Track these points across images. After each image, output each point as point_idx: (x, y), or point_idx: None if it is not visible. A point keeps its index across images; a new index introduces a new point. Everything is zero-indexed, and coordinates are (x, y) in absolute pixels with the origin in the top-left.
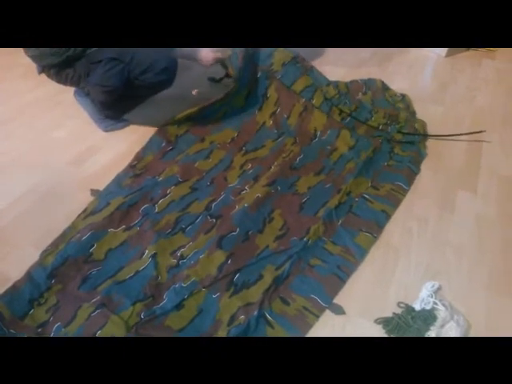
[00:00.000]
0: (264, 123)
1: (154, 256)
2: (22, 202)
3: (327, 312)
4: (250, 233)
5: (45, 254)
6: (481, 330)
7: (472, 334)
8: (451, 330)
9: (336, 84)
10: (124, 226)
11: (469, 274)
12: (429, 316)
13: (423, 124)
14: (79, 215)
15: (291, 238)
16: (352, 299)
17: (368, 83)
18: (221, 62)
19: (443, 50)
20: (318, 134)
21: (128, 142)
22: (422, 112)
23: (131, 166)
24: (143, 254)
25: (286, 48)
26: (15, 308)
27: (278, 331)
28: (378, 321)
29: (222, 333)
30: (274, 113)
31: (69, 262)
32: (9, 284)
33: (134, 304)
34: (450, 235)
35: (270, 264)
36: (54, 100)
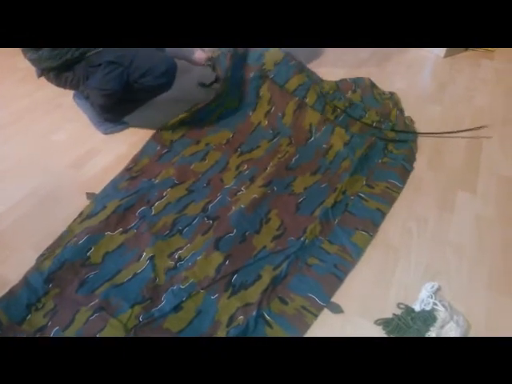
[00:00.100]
0: (259, 123)
1: (151, 258)
2: (22, 206)
3: (327, 312)
4: (247, 233)
5: (42, 258)
6: (481, 330)
7: (472, 335)
8: (451, 331)
9: (327, 82)
10: (121, 229)
11: (468, 275)
12: (429, 317)
13: (412, 121)
14: (75, 219)
15: (288, 237)
16: (352, 300)
17: (357, 82)
18: (211, 65)
19: (442, 51)
20: (314, 130)
21: (127, 144)
22: (420, 112)
23: (127, 169)
24: (141, 256)
25: (278, 48)
26: (12, 313)
27: (277, 331)
28: (377, 322)
29: (221, 333)
30: (268, 112)
31: (66, 266)
32: (8, 287)
33: (132, 307)
34: (449, 235)
35: (268, 264)
36: (53, 103)
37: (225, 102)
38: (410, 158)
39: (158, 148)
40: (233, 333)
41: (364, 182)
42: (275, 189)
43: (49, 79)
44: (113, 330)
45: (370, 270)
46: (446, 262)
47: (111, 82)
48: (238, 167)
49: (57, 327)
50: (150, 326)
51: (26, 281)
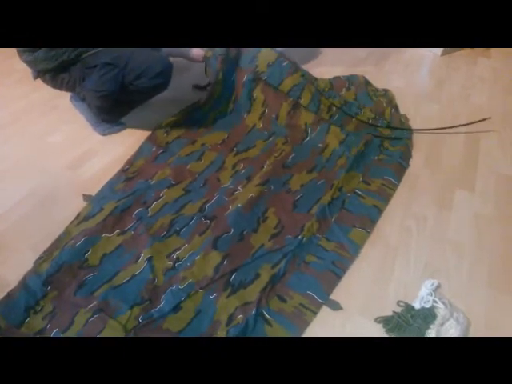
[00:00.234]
0: (254, 126)
1: (149, 259)
2: (20, 207)
3: (327, 311)
4: (244, 233)
5: (39, 261)
6: (481, 327)
7: (472, 332)
8: (451, 328)
9: (321, 80)
10: (118, 231)
11: (468, 272)
12: (429, 314)
13: (407, 118)
14: (72, 221)
15: (286, 236)
16: (352, 298)
17: (351, 79)
18: (204, 69)
19: (439, 49)
20: (309, 130)
21: (125, 145)
22: (418, 110)
23: (123, 171)
24: (139, 257)
25: (271, 49)
26: (11, 317)
27: (277, 329)
28: (377, 320)
29: (220, 333)
30: (262, 114)
31: (64, 269)
32: (7, 289)
33: (131, 308)
34: (448, 233)
35: (266, 263)
36: (50, 105)
37: (218, 105)
38: (406, 155)
39: (154, 149)
40: (232, 332)
41: (360, 179)
42: (272, 187)
43: (45, 81)
44: (112, 331)
45: (370, 268)
46: (445, 260)
47: (107, 84)
48: (234, 166)
49: (56, 329)
50: (149, 326)
51: (24, 284)
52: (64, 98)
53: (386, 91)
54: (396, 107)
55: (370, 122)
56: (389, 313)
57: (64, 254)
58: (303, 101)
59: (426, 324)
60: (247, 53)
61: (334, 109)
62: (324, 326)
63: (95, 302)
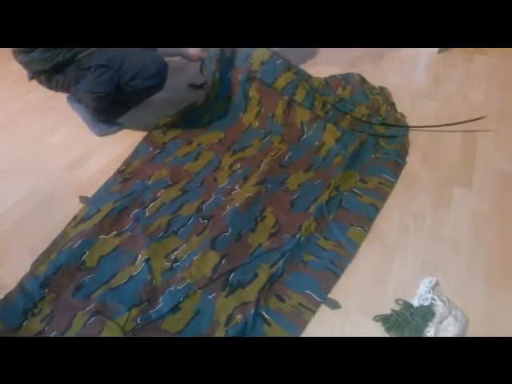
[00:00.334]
0: (250, 124)
1: (147, 260)
2: (19, 209)
3: (326, 310)
4: (242, 232)
5: (36, 263)
6: (479, 324)
7: (470, 329)
8: (450, 326)
9: (316, 79)
10: (115, 232)
11: (466, 269)
12: (427, 312)
13: (403, 116)
14: (69, 223)
15: (284, 235)
16: (350, 297)
17: (347, 78)
18: (200, 69)
19: None
20: (305, 128)
21: (122, 146)
22: (415, 107)
23: (119, 172)
24: (136, 259)
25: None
26: (9, 320)
27: (275, 329)
28: (376, 318)
29: (219, 333)
30: (258, 112)
31: (61, 271)
32: (4, 291)
33: (129, 309)
34: (446, 231)
35: (264, 262)
36: (46, 106)
37: (214, 105)
38: (402, 153)
39: (151, 149)
40: (231, 332)
41: (357, 178)
42: (269, 187)
43: (40, 82)
44: (111, 332)
45: (368, 266)
46: (443, 258)
47: (102, 85)
48: (231, 166)
49: (54, 332)
50: (147, 327)
51: (21, 287)
52: (60, 98)
53: (382, 89)
54: (393, 105)
55: (364, 118)
56: (387, 311)
57: (61, 257)
58: (297, 97)
59: (425, 322)
60: (241, 52)
61: (329, 106)
62: (323, 325)
63: (93, 304)
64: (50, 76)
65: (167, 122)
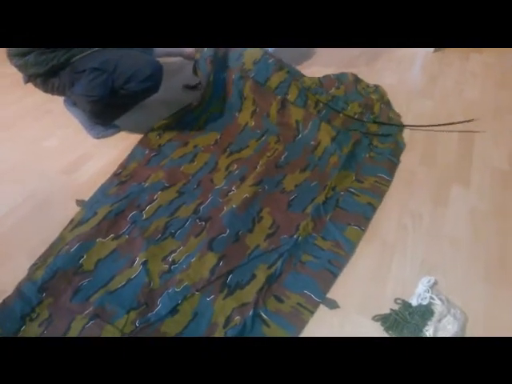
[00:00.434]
0: (246, 124)
1: (145, 263)
2: (16, 213)
3: (325, 311)
4: (239, 233)
5: (34, 267)
6: (478, 322)
7: (469, 327)
8: (449, 324)
9: (310, 78)
10: (112, 235)
11: (465, 268)
12: (426, 311)
13: (398, 115)
14: (66, 226)
15: (281, 236)
16: (349, 297)
17: (340, 77)
18: (194, 71)
19: None
20: (301, 127)
21: (119, 148)
22: (412, 106)
23: (116, 174)
24: (134, 261)
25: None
26: (6, 325)
27: (274, 329)
28: (375, 318)
29: (218, 335)
30: (254, 112)
31: (59, 275)
32: (3, 295)
33: (128, 312)
34: (445, 229)
35: (262, 263)
36: (43, 109)
37: (209, 106)
38: (396, 152)
39: (147, 152)
40: (230, 333)
41: (353, 178)
42: (266, 187)
43: (36, 85)
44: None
45: (366, 266)
46: (441, 256)
47: (96, 89)
48: (227, 167)
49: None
50: (146, 330)
51: (18, 291)
52: (56, 102)
53: (376, 87)
54: (388, 103)
55: (356, 116)
56: (386, 310)
57: (58, 260)
58: (290, 96)
59: (424, 321)
60: (234, 51)
61: (321, 105)
62: (322, 325)
63: (91, 308)
64: (45, 79)
65: (163, 124)
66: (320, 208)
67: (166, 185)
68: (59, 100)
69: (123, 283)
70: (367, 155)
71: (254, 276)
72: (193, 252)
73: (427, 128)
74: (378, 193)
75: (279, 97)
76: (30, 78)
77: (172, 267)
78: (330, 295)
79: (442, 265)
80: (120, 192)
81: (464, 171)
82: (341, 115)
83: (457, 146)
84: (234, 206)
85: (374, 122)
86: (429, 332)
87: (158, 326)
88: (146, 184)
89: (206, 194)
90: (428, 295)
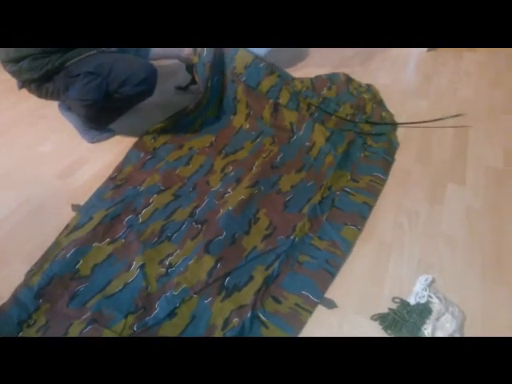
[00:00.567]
0: (241, 126)
1: (141, 267)
2: (12, 218)
3: (323, 310)
4: (236, 235)
5: (30, 273)
6: (476, 320)
7: (467, 325)
8: (447, 322)
9: (301, 80)
10: (108, 240)
11: (462, 266)
12: (424, 309)
13: (391, 114)
14: (62, 232)
15: (278, 237)
16: (347, 296)
17: (332, 78)
18: (187, 69)
19: None
20: (295, 129)
21: (114, 152)
22: (407, 106)
23: (111, 178)
24: (131, 265)
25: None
26: (4, 331)
27: (273, 330)
28: (374, 317)
29: None
30: (248, 115)
31: (55, 281)
32: (0, 302)
33: (125, 317)
34: (441, 228)
35: (260, 264)
36: (37, 114)
37: (206, 110)
38: (390, 150)
39: (142, 155)
40: (229, 336)
41: (349, 177)
42: (262, 188)
43: (30, 91)
44: None
45: (364, 266)
46: (438, 255)
47: (90, 93)
48: (223, 169)
49: None
50: (144, 334)
51: (15, 298)
52: (51, 107)
53: (369, 86)
54: (380, 102)
55: (348, 118)
56: (384, 310)
57: (55, 266)
58: (282, 100)
59: (422, 319)
60: (227, 54)
61: (313, 107)
62: (320, 325)
63: (88, 313)
64: (39, 84)
65: (157, 127)
66: (316, 208)
67: (162, 188)
68: (53, 105)
69: (120, 287)
70: (362, 154)
71: (251, 277)
72: (190, 255)
73: (417, 125)
74: (374, 192)
75: (271, 100)
76: (24, 84)
77: (169, 270)
78: (327, 295)
79: (438, 263)
80: (115, 196)
81: (459, 170)
82: (333, 117)
83: (451, 144)
84: (230, 208)
85: (367, 122)
86: (427, 330)
87: (156, 329)
88: (142, 187)
89: (202, 197)
90: (426, 293)
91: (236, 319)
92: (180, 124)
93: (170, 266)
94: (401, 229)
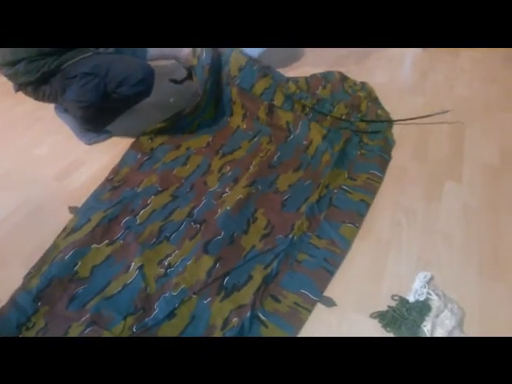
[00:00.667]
0: (238, 127)
1: (140, 268)
2: (10, 221)
3: (322, 308)
4: (235, 235)
5: (28, 276)
6: (475, 316)
7: (467, 321)
8: (446, 319)
9: (296, 80)
10: (107, 241)
11: (460, 262)
12: (423, 307)
13: (386, 111)
14: (60, 234)
15: (276, 236)
16: (346, 295)
17: (327, 76)
18: (184, 66)
19: None
20: (291, 128)
21: (111, 154)
22: (403, 104)
23: (108, 180)
24: (129, 266)
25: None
26: (2, 335)
27: (272, 330)
28: (373, 315)
29: None
30: (244, 115)
31: (54, 283)
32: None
33: (125, 318)
34: (438, 225)
35: (258, 264)
36: (34, 117)
37: (204, 112)
38: (386, 148)
39: (139, 156)
40: (228, 335)
41: (346, 175)
42: (259, 188)
43: (27, 93)
44: None
45: (362, 264)
46: (437, 252)
47: (88, 94)
48: (220, 169)
49: None
50: (144, 335)
51: (14, 301)
52: (47, 109)
53: (363, 84)
54: (375, 99)
55: (343, 117)
56: (383, 307)
57: (53, 268)
58: (277, 102)
59: (421, 316)
60: (223, 56)
61: (308, 109)
62: (320, 324)
63: (88, 315)
64: (36, 87)
65: (154, 129)
66: (314, 207)
67: (159, 189)
68: (50, 107)
69: (119, 289)
70: (358, 153)
71: (250, 277)
72: (188, 255)
73: (413, 122)
74: (371, 189)
75: (266, 102)
76: (20, 87)
77: (168, 271)
78: (326, 293)
79: (436, 260)
80: (113, 197)
81: (455, 167)
82: (328, 118)
83: (448, 142)
84: (228, 207)
85: (362, 121)
86: (427, 328)
87: (155, 330)
88: (139, 189)
89: (200, 197)
90: (425, 291)
91: (235, 319)
92: (177, 125)
93: (169, 266)
94: (398, 226)
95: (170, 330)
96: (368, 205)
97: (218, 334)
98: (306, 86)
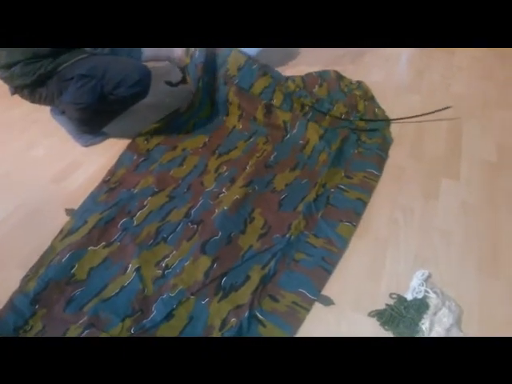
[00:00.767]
0: (234, 127)
1: (138, 269)
2: (7, 224)
3: (320, 307)
4: (232, 235)
5: (25, 279)
6: (473, 314)
7: (465, 319)
8: (444, 317)
9: (293, 79)
10: (104, 243)
11: (458, 260)
12: (421, 305)
13: (382, 110)
14: (56, 236)
15: (274, 235)
16: (344, 293)
17: (323, 75)
18: (179, 67)
19: None
20: (288, 127)
21: (108, 155)
22: (400, 102)
23: (105, 182)
24: (127, 268)
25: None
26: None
27: (271, 329)
28: (371, 313)
29: None
30: (240, 116)
31: (51, 286)
32: None
33: (122, 320)
34: (436, 223)
35: (256, 264)
36: (30, 119)
37: (199, 111)
38: (384, 146)
39: (135, 157)
40: (227, 336)
41: (343, 174)
42: (256, 188)
43: (23, 96)
44: None
45: (360, 262)
46: (434, 250)
47: (85, 96)
48: (217, 169)
49: None
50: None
51: (11, 304)
52: (43, 111)
53: (359, 83)
54: (372, 98)
55: (343, 117)
56: (381, 306)
57: (50, 271)
58: (276, 101)
59: (419, 314)
60: (219, 56)
61: (307, 108)
62: (318, 322)
63: (85, 317)
64: (32, 90)
65: (150, 129)
66: (311, 206)
67: (156, 190)
68: (46, 110)
69: (117, 291)
70: (355, 151)
71: (248, 277)
72: (186, 256)
73: (411, 120)
74: (368, 188)
75: (264, 101)
76: (16, 90)
77: (165, 272)
78: (324, 292)
79: (434, 258)
80: (109, 199)
81: (453, 165)
82: (327, 117)
83: (445, 139)
84: (225, 207)
85: (361, 120)
86: (425, 325)
87: (153, 332)
88: (136, 190)
89: (197, 197)
90: (423, 289)
91: (233, 319)
92: (173, 125)
93: (167, 267)
94: (396, 224)
95: (168, 331)
96: (365, 203)
97: (216, 334)
98: (302, 85)
